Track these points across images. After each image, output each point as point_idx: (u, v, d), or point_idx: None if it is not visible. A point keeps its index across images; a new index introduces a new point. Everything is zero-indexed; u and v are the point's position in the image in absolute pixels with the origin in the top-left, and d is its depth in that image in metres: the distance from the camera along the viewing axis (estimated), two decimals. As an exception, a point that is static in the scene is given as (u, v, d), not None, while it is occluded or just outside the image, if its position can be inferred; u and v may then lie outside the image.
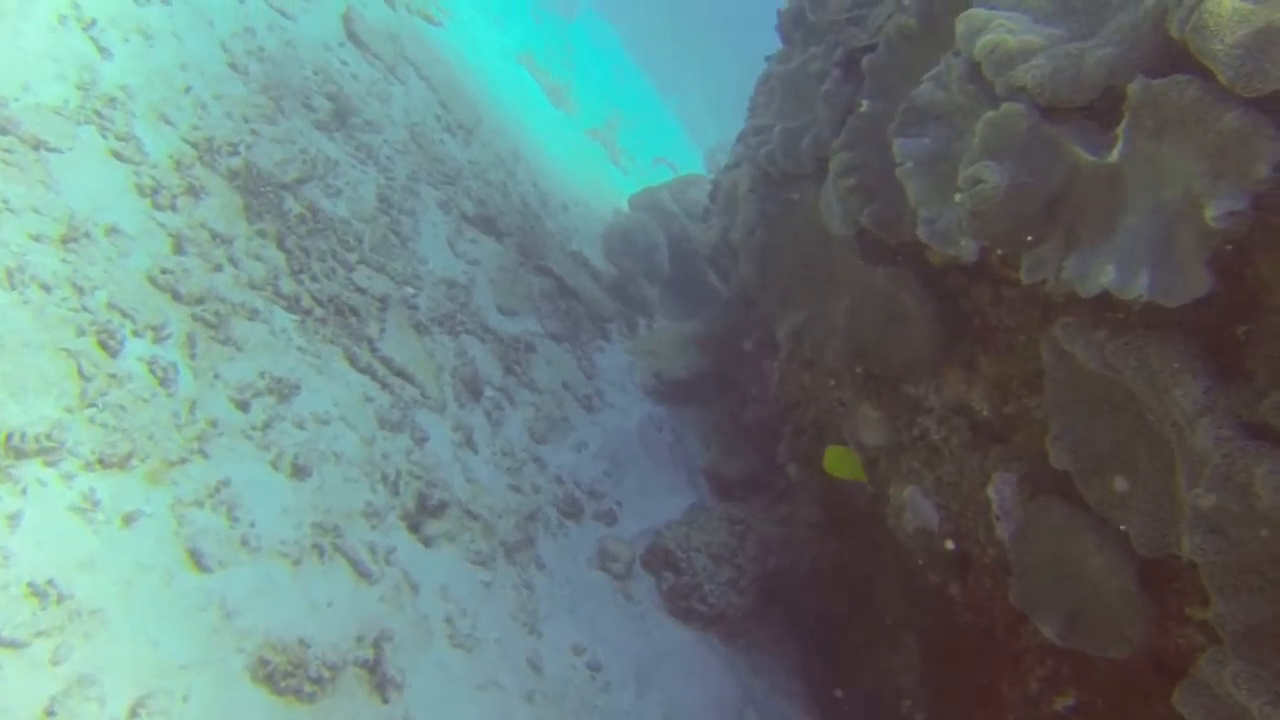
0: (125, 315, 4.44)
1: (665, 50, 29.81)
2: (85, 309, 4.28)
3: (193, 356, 4.60)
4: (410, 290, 6.50)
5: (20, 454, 3.72)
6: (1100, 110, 3.29)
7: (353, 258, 6.26)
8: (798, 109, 4.99)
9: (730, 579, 6.48)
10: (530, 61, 15.53)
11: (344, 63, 8.23)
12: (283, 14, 7.95)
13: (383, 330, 5.92)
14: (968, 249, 3.47)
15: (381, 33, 9.32)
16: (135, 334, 4.43)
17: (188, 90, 6.05)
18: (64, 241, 4.47)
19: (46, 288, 4.22)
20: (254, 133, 6.35)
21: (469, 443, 5.90)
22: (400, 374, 5.73)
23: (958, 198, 3.32)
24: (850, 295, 4.85)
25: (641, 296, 11.26)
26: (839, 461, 5.78)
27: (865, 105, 4.30)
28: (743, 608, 6.48)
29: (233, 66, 6.68)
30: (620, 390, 8.09)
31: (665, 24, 30.59)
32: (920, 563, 5.04)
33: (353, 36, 8.79)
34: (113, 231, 4.76)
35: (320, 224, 6.20)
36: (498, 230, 8.37)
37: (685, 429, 8.39)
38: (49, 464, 3.81)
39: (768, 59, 8.27)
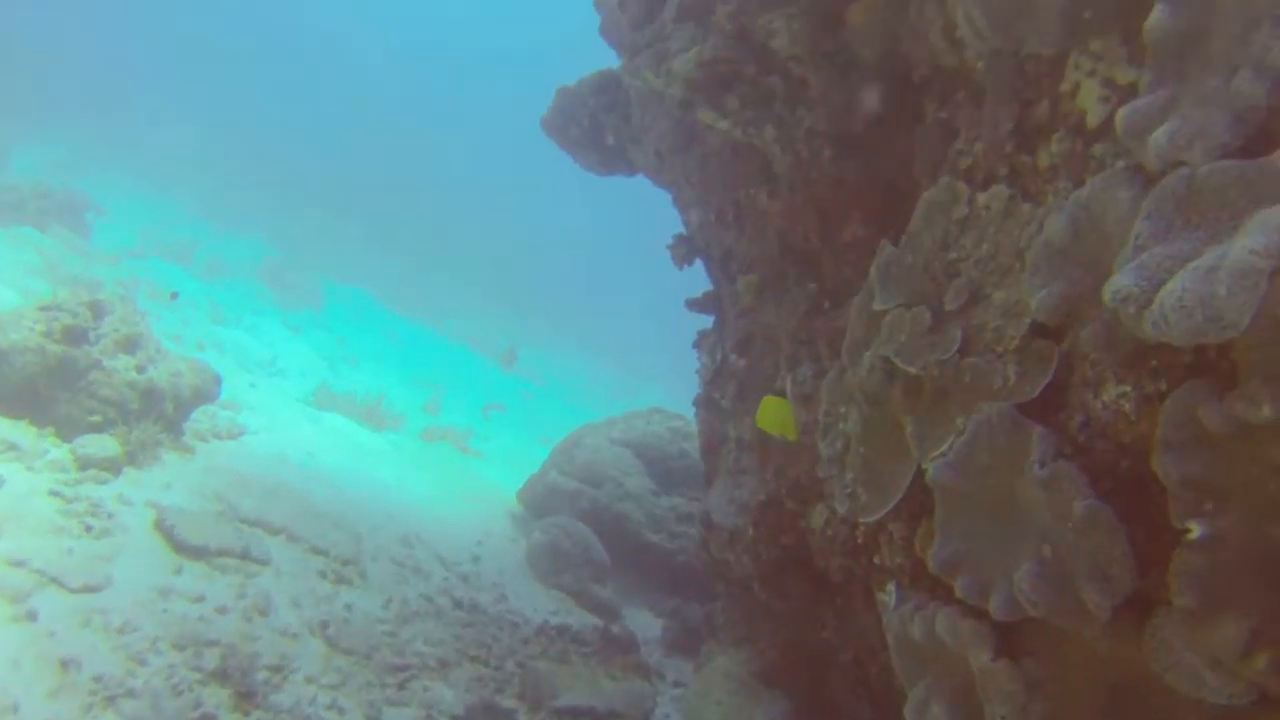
0: None
1: (414, 278, 28.27)
2: None
3: None
4: None
5: None
6: None
7: None
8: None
9: None
10: (329, 397, 13.56)
11: (198, 599, 6.01)
12: (89, 589, 5.71)
13: None
14: None
15: (205, 515, 7.15)
16: None
17: None
18: None
19: None
20: None
21: None
22: None
23: None
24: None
25: (619, 618, 9.45)
26: (773, 414, 5.00)
27: None
28: None
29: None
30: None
31: (401, 257, 29.07)
32: None
33: (183, 548, 6.56)
34: None
35: None
36: (498, 710, 6.28)
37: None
38: None
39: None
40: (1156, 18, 2.93)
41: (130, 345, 8.25)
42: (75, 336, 7.80)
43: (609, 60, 7.81)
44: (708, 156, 6.44)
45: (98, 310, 8.25)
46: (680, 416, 12.23)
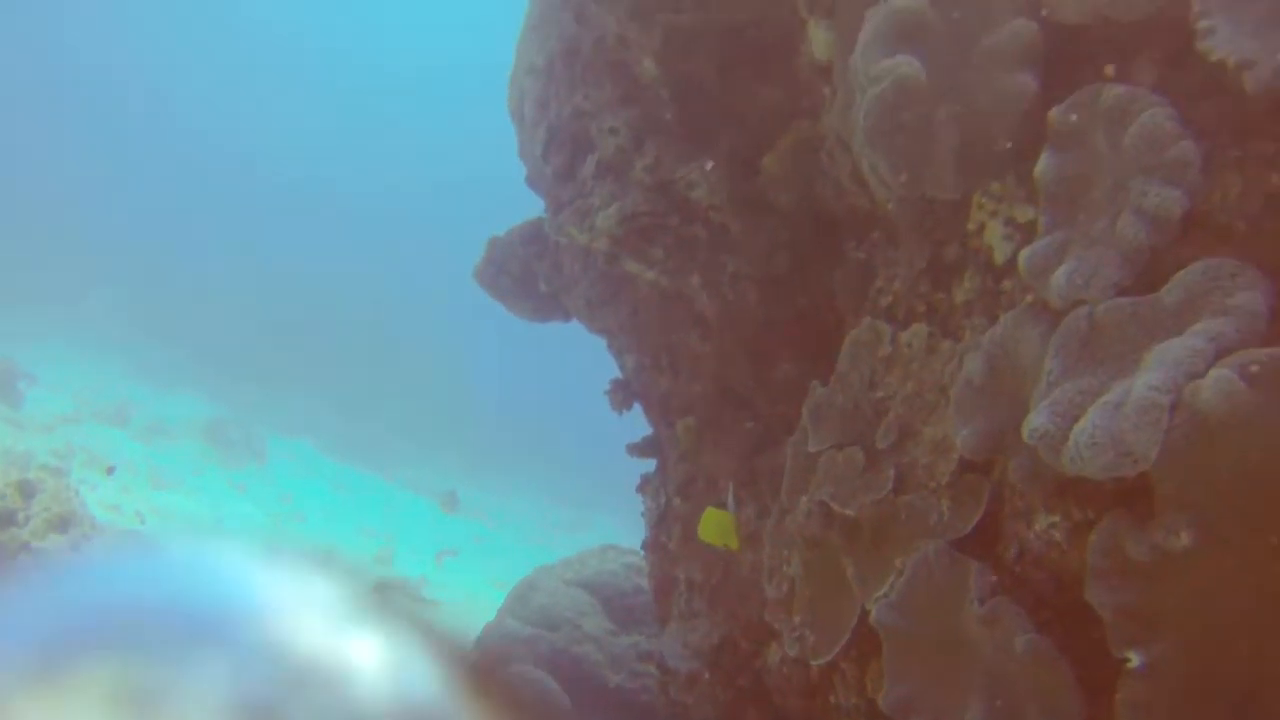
0: None
1: (359, 427, 28.03)
2: None
3: None
4: None
5: None
6: None
7: None
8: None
9: None
10: (277, 556, 13.22)
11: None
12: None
13: None
14: None
15: None
16: None
17: None
18: None
19: None
20: None
21: None
22: None
23: None
24: None
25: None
26: (713, 526, 4.97)
27: None
28: None
29: None
30: None
31: (344, 407, 28.89)
32: None
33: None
34: None
35: None
36: None
37: None
38: None
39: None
40: (1044, 165, 3.08)
41: (62, 524, 8.04)
42: (1, 520, 7.59)
43: (540, 207, 7.93)
44: (638, 304, 6.55)
45: (26, 490, 8.05)
46: (634, 551, 12.02)
